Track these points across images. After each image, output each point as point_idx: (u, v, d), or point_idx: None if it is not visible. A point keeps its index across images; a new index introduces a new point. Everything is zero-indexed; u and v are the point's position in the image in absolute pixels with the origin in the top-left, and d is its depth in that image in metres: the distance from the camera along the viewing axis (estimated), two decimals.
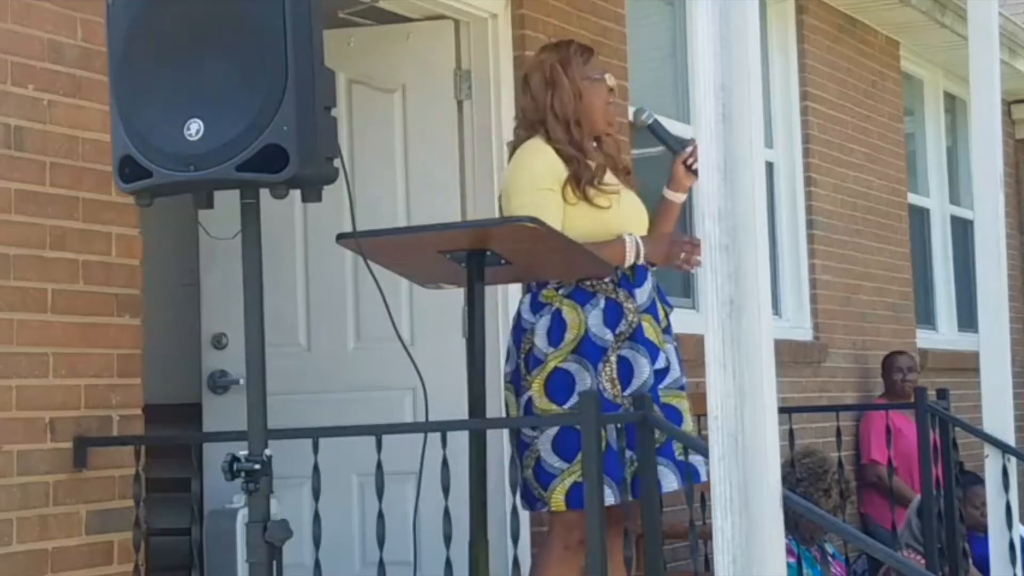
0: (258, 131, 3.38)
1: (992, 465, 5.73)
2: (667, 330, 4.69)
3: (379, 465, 4.18)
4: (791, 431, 5.67)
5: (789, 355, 7.84)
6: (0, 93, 4.31)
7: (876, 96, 9.51)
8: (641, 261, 4.59)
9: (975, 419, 6.19)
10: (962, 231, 10.65)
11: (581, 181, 4.56)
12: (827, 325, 8.56)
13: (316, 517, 4.20)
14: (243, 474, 3.48)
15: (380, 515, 4.16)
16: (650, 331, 4.60)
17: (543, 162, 4.59)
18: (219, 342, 6.06)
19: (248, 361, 3.55)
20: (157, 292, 5.79)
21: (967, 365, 8.73)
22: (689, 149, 4.71)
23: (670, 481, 4.47)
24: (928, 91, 10.69)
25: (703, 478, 4.48)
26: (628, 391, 4.52)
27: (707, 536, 3.59)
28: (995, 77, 5.83)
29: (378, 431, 4.26)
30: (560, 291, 4.59)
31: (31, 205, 4.36)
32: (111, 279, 4.60)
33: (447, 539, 4.10)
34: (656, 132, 4.79)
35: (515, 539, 4.23)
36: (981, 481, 6.76)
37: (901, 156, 9.83)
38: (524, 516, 4.56)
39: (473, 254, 4.21)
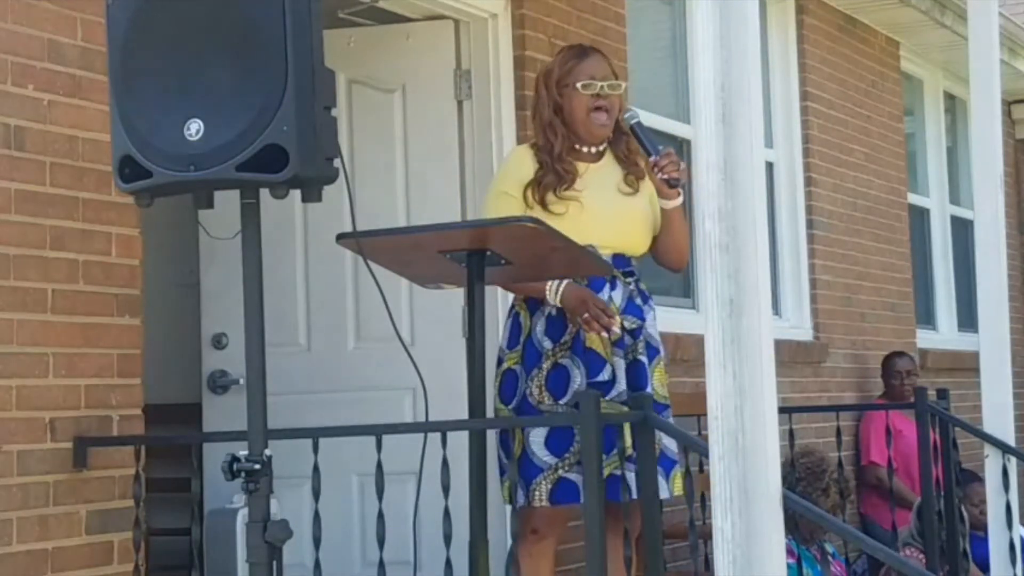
0: (258, 131, 3.38)
1: (992, 465, 5.74)
2: (618, 343, 4.66)
3: (379, 465, 4.18)
4: (791, 431, 5.67)
5: (789, 355, 7.84)
6: (0, 93, 4.31)
7: (876, 96, 9.51)
8: (557, 302, 4.63)
9: (975, 419, 6.19)
10: (962, 231, 10.64)
11: (540, 186, 4.70)
12: (827, 325, 8.56)
13: (316, 517, 4.20)
14: (243, 474, 3.48)
15: (380, 515, 4.16)
16: (595, 341, 4.64)
17: (509, 167, 4.86)
18: (219, 342, 6.06)
19: (248, 361, 3.55)
20: (157, 292, 5.80)
21: (967, 365, 8.73)
22: (653, 159, 4.69)
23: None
24: (928, 91, 10.69)
25: (634, 495, 4.40)
26: (564, 399, 4.61)
27: (707, 536, 3.59)
28: (995, 77, 5.83)
29: (378, 431, 4.25)
30: (523, 297, 4.74)
31: (31, 205, 4.36)
32: (111, 279, 4.60)
33: (447, 539, 4.10)
34: (636, 134, 4.76)
35: (515, 539, 4.23)
36: (979, 479, 6.77)
37: (901, 156, 9.83)
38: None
39: (473, 254, 4.21)
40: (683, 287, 7.41)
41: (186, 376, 6.45)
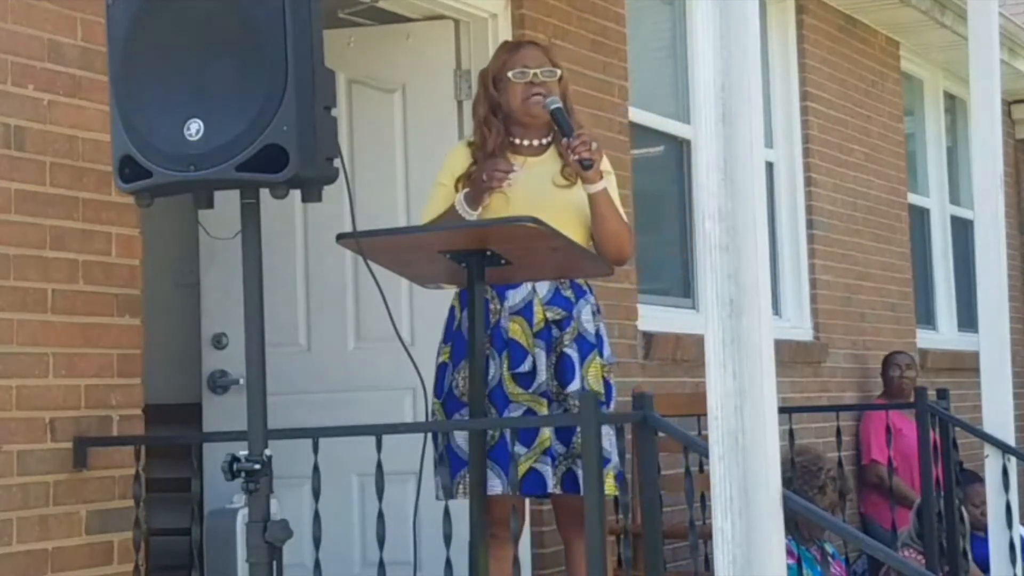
0: (258, 131, 3.38)
1: (992, 465, 5.74)
2: (540, 334, 4.62)
3: (379, 465, 4.18)
4: (791, 431, 5.67)
5: (789, 355, 7.84)
6: (0, 93, 4.31)
7: (876, 96, 9.52)
8: (474, 211, 4.65)
9: (975, 419, 6.19)
10: (962, 231, 10.65)
11: (469, 180, 4.72)
12: (827, 325, 8.57)
13: (316, 517, 4.20)
14: (243, 474, 3.48)
15: (380, 515, 4.16)
16: (516, 332, 4.62)
17: (447, 161, 4.92)
18: (219, 342, 6.06)
19: (248, 361, 3.55)
20: (157, 292, 5.80)
21: (967, 365, 8.74)
22: (565, 140, 4.68)
23: (494, 485, 4.47)
24: (928, 91, 10.70)
25: (550, 488, 4.50)
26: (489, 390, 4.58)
27: (707, 536, 3.59)
28: (995, 77, 5.84)
29: (378, 431, 4.25)
30: (456, 292, 4.74)
31: (31, 205, 4.36)
32: (111, 279, 4.60)
33: (447, 539, 4.10)
34: (555, 118, 4.74)
35: (515, 539, 4.23)
36: (980, 479, 6.77)
37: (901, 156, 9.83)
38: (525, 516, 4.57)
39: (473, 254, 4.22)
40: (683, 287, 7.42)
41: (186, 376, 6.45)
